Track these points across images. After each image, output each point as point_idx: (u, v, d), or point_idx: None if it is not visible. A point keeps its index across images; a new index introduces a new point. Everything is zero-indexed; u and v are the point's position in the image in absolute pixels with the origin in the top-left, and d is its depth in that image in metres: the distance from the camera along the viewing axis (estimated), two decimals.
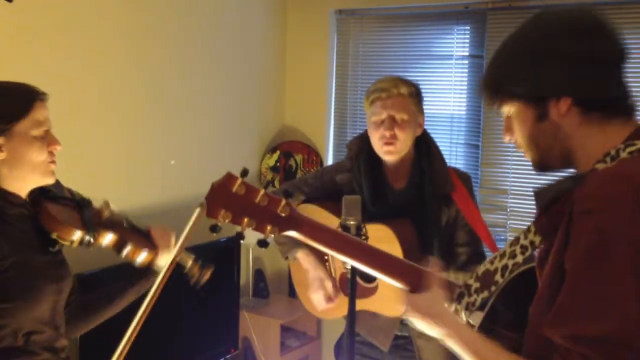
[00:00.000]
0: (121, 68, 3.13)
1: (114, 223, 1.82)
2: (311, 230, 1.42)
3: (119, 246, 1.81)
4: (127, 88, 3.17)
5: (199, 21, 3.58)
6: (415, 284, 1.38)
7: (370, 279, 2.26)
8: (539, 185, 1.27)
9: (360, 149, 2.36)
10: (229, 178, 1.30)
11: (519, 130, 1.27)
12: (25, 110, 1.64)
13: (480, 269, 1.37)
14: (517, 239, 1.32)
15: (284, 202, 1.35)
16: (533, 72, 1.22)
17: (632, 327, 0.99)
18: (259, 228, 1.35)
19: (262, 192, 1.32)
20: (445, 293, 1.35)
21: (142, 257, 1.84)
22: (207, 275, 1.88)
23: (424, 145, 2.33)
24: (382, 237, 2.20)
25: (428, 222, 2.27)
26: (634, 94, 1.24)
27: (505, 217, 3.61)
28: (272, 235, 1.37)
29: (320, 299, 2.34)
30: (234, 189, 1.29)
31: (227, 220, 1.30)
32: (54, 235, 1.71)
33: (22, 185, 1.70)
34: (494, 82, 1.29)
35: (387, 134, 2.22)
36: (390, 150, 2.25)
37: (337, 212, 2.29)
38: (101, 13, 3.02)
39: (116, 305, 1.93)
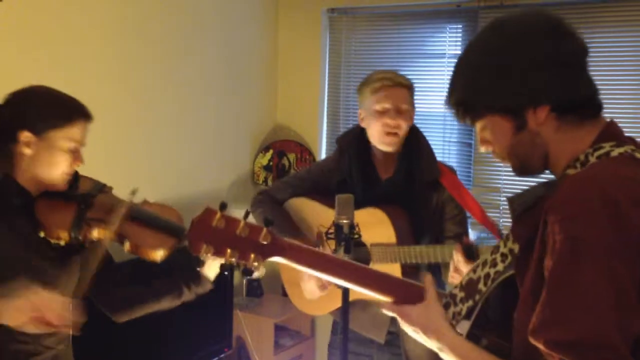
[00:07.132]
0: (110, 67, 3.12)
1: (112, 216, 1.80)
2: (295, 254, 1.43)
3: (119, 241, 1.81)
4: (116, 87, 3.16)
5: (190, 21, 3.56)
6: (405, 297, 1.40)
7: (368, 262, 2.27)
8: (515, 192, 1.28)
9: (350, 141, 2.40)
10: (208, 213, 1.31)
11: (497, 142, 1.28)
12: (64, 123, 1.76)
13: (464, 278, 1.38)
14: (497, 247, 1.33)
15: (265, 230, 1.36)
16: (507, 85, 1.21)
17: (607, 331, 1.01)
18: (242, 258, 1.36)
19: (242, 223, 1.33)
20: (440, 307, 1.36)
21: (151, 255, 1.80)
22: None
23: (413, 138, 2.36)
24: (375, 220, 2.24)
25: (418, 208, 2.31)
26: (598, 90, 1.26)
27: (498, 215, 3.61)
28: (256, 264, 1.38)
29: (313, 288, 2.31)
30: (214, 223, 1.30)
31: (209, 254, 1.31)
32: (41, 234, 1.75)
33: (34, 182, 1.79)
34: (464, 100, 1.28)
35: (392, 122, 2.25)
36: (394, 141, 2.28)
37: (327, 203, 2.35)
38: (93, 14, 3.01)
39: (159, 303, 2.05)
